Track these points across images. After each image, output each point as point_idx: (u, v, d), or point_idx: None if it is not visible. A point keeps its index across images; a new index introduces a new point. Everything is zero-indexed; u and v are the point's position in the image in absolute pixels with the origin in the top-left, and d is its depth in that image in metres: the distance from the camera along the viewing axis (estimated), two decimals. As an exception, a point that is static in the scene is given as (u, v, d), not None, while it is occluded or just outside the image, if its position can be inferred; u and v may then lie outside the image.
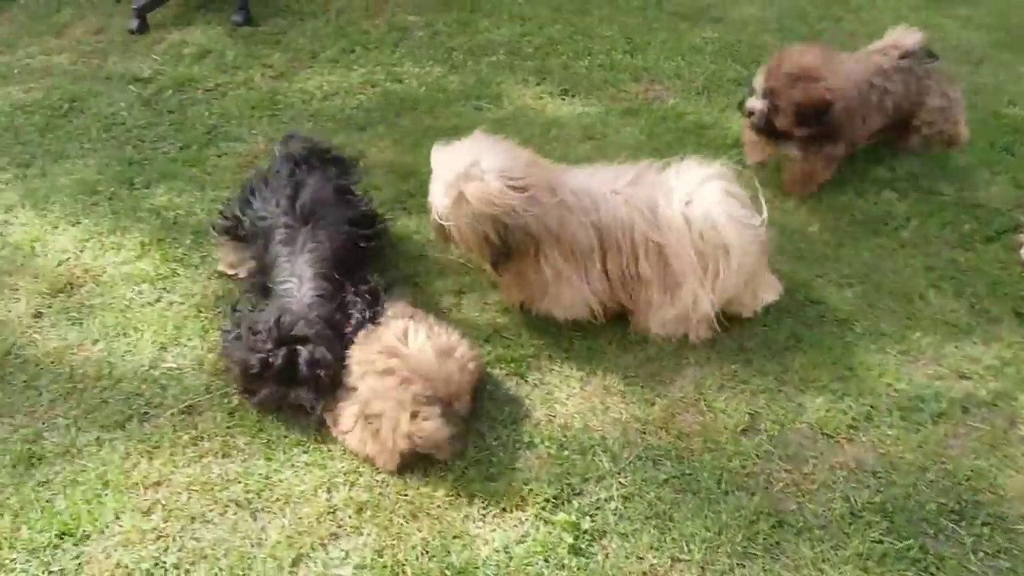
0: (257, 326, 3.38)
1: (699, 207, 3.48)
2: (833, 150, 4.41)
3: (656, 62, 5.91)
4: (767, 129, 4.27)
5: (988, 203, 4.56)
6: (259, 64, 5.83)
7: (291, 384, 3.31)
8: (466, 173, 3.33)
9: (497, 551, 2.94)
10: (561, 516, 3.03)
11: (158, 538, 2.98)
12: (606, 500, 3.11)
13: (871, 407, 3.46)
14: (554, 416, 3.43)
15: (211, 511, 3.06)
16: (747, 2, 6.84)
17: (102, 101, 5.41)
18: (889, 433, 3.36)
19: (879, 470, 3.22)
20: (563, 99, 5.51)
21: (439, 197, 3.40)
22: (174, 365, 3.61)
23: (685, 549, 2.96)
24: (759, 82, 4.22)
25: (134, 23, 6.16)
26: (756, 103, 4.24)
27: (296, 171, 3.89)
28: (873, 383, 3.57)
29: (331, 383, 3.31)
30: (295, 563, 2.89)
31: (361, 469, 3.20)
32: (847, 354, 3.70)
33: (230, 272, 4.01)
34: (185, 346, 3.70)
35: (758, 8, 6.76)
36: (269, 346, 3.31)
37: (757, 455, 3.28)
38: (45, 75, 5.71)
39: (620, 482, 3.17)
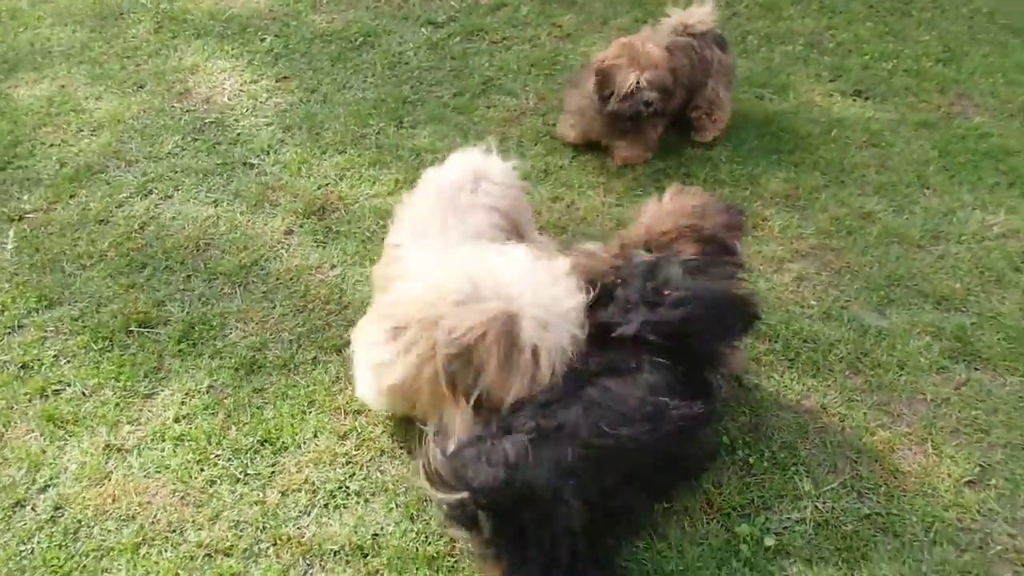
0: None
1: None
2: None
3: (971, 76, 5.35)
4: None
5: None
6: (549, 23, 5.83)
7: None
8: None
9: (670, 546, 2.83)
10: (744, 527, 2.87)
11: (347, 463, 3.09)
12: (797, 522, 2.92)
13: None
14: (761, 424, 3.23)
15: (401, 448, 3.13)
16: (1095, 23, 6.02)
17: (393, 39, 5.60)
18: None
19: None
20: (854, 100, 5.12)
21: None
22: (399, 302, 3.70)
23: (871, 591, 2.75)
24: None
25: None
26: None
27: None
28: None
29: None
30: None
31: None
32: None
33: None
34: (414, 286, 3.78)
35: (1107, 32, 5.93)
36: None
37: (979, 511, 2.97)
38: (348, 7, 5.98)
39: (817, 506, 2.97)
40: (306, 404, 3.29)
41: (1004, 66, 5.47)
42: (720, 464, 3.08)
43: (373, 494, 2.99)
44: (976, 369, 3.47)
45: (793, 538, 2.87)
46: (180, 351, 3.50)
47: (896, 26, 5.91)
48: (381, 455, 3.10)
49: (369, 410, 3.22)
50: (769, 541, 2.84)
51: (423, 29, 5.72)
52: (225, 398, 3.32)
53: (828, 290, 3.81)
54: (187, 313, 3.66)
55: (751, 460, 3.10)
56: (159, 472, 3.07)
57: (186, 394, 3.34)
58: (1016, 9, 6.14)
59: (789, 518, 2.92)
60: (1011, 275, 3.90)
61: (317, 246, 4.00)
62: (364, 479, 3.03)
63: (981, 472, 3.09)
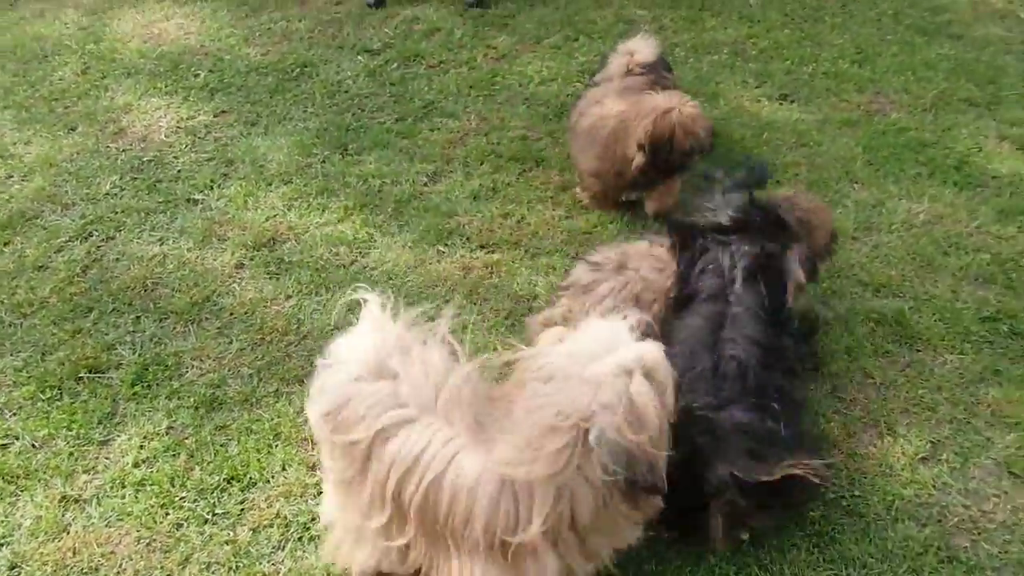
0: None
1: None
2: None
3: (884, 75, 5.54)
4: None
5: None
6: (484, 45, 5.82)
7: None
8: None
9: (647, 546, 2.77)
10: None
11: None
12: (768, 511, 2.94)
13: (1069, 453, 3.14)
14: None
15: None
16: (992, 21, 6.26)
17: (331, 68, 5.55)
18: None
19: (1070, 521, 2.91)
20: (781, 103, 5.25)
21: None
22: (359, 329, 3.62)
23: (843, 572, 2.79)
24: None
25: (373, -1, 6.29)
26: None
27: None
28: (1078, 430, 3.24)
29: None
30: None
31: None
32: (1050, 394, 3.38)
33: None
34: (372, 312, 3.70)
35: (1004, 28, 6.17)
36: None
37: (934, 486, 3.06)
38: (283, 40, 5.91)
39: (784, 496, 2.99)
40: (272, 437, 3.18)
41: (913, 64, 5.67)
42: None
43: (348, 524, 2.89)
44: (918, 351, 3.58)
45: (765, 528, 2.87)
46: (135, 394, 3.37)
47: (811, 31, 6.08)
48: (353, 484, 3.01)
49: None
50: (743, 534, 2.83)
51: (360, 57, 5.67)
52: (186, 438, 3.20)
53: (777, 287, 3.85)
54: (139, 355, 3.53)
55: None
56: (121, 520, 2.93)
57: (144, 437, 3.21)
58: (916, 11, 6.37)
59: (759, 509, 2.95)
60: (940, 259, 4.04)
61: (270, 278, 3.90)
62: (338, 509, 2.93)
63: (932, 448, 3.18)
